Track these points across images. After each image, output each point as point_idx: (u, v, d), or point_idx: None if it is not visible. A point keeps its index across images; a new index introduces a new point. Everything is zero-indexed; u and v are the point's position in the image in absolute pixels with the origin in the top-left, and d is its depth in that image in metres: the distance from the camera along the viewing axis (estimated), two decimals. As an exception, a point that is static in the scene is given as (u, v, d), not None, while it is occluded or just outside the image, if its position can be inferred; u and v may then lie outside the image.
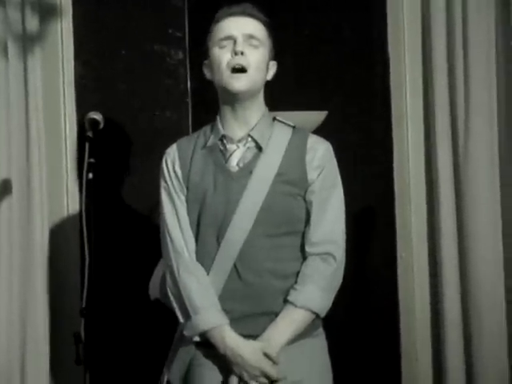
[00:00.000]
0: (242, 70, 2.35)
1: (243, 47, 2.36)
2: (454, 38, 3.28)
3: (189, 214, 2.41)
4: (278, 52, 3.36)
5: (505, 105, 3.32)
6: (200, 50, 3.31)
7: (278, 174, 2.37)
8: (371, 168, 3.47)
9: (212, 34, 2.43)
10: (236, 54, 2.35)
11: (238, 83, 2.35)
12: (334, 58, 3.49)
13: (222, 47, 2.39)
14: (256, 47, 2.39)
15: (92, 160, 2.50)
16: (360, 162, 3.42)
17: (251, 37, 2.38)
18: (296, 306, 2.33)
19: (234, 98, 2.39)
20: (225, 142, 2.42)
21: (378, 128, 3.49)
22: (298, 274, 2.37)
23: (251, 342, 2.31)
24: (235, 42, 2.37)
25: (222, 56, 2.37)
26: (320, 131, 3.08)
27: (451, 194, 3.30)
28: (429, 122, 3.37)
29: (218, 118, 2.46)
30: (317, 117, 3.19)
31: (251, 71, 2.36)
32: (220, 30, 2.40)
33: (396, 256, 3.45)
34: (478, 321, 3.25)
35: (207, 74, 2.47)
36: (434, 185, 3.34)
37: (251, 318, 2.34)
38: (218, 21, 2.43)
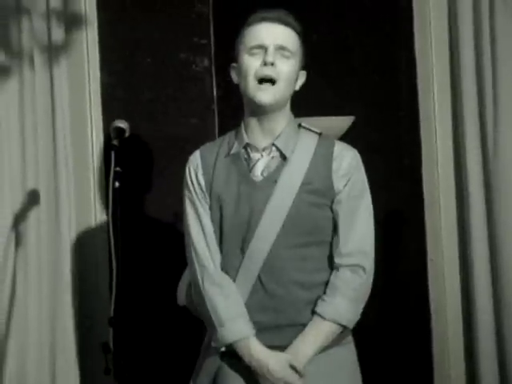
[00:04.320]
0: (270, 80, 2.28)
1: (274, 57, 2.28)
2: (481, 37, 3.25)
3: (212, 223, 2.37)
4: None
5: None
6: (226, 57, 3.33)
7: (304, 184, 2.31)
8: (400, 172, 3.44)
9: (243, 38, 2.35)
10: (266, 64, 2.28)
11: (265, 96, 2.28)
12: (360, 63, 3.47)
13: (252, 55, 2.31)
14: (287, 58, 2.31)
15: (118, 169, 2.48)
16: (389, 166, 3.39)
17: (283, 48, 2.30)
18: (324, 318, 2.28)
19: (259, 110, 2.33)
20: (249, 150, 2.37)
21: (406, 131, 3.46)
22: (323, 284, 2.32)
23: (277, 354, 2.28)
24: (266, 51, 2.29)
25: (251, 64, 2.30)
26: (346, 135, 3.07)
27: (481, 198, 3.27)
28: (457, 123, 3.34)
29: (242, 125, 2.39)
30: (343, 122, 3.17)
31: (280, 83, 2.29)
32: (252, 36, 2.32)
33: (426, 260, 3.42)
34: (511, 324, 3.21)
35: (234, 77, 2.40)
36: (463, 188, 3.31)
37: (277, 330, 2.31)
38: (250, 24, 2.34)
